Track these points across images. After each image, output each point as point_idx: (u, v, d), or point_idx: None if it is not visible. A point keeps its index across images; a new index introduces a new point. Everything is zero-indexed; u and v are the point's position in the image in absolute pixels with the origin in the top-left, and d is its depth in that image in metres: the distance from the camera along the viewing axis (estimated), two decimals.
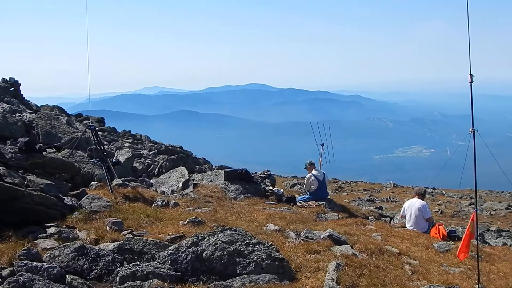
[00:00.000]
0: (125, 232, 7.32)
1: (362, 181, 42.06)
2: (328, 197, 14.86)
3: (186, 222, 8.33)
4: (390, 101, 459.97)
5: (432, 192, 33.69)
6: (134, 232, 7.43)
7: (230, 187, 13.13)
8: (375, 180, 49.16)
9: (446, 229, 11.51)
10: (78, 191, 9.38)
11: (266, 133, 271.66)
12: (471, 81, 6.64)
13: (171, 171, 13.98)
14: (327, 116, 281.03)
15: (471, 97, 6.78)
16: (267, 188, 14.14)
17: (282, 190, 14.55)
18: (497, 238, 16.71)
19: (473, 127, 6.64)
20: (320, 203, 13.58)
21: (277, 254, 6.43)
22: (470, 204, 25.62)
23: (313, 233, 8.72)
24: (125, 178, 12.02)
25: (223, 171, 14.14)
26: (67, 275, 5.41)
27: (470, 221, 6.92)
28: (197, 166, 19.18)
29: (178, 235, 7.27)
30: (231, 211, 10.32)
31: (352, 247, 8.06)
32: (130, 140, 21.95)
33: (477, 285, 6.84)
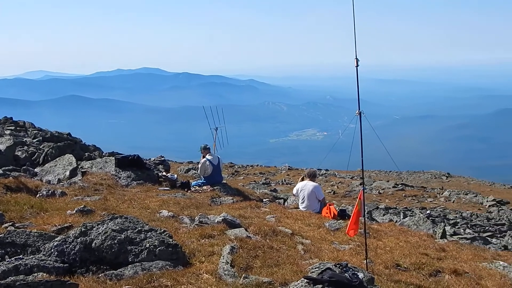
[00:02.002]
0: (6, 225, 6.88)
1: (258, 165, 42.84)
2: (223, 181, 14.93)
3: (74, 211, 7.95)
4: (284, 85, 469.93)
5: (325, 173, 35.11)
6: (17, 224, 7.00)
7: (121, 174, 12.71)
8: (270, 164, 50.30)
9: (337, 209, 11.99)
10: None
11: (160, 118, 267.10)
12: (357, 65, 6.90)
13: (57, 159, 13.29)
14: (222, 100, 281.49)
15: (357, 81, 7.04)
16: (160, 174, 13.88)
17: (176, 175, 14.36)
18: (384, 215, 17.80)
19: (359, 109, 6.89)
20: (215, 187, 13.59)
21: (170, 240, 6.32)
22: (361, 184, 27.00)
23: (208, 218, 8.68)
24: (6, 168, 11.33)
25: (113, 158, 13.66)
26: None
27: (358, 200, 7.24)
28: (86, 153, 18.34)
29: (65, 225, 6.94)
30: (123, 199, 9.99)
31: (246, 230, 8.13)
32: (12, 128, 20.46)
33: (365, 260, 7.17)
